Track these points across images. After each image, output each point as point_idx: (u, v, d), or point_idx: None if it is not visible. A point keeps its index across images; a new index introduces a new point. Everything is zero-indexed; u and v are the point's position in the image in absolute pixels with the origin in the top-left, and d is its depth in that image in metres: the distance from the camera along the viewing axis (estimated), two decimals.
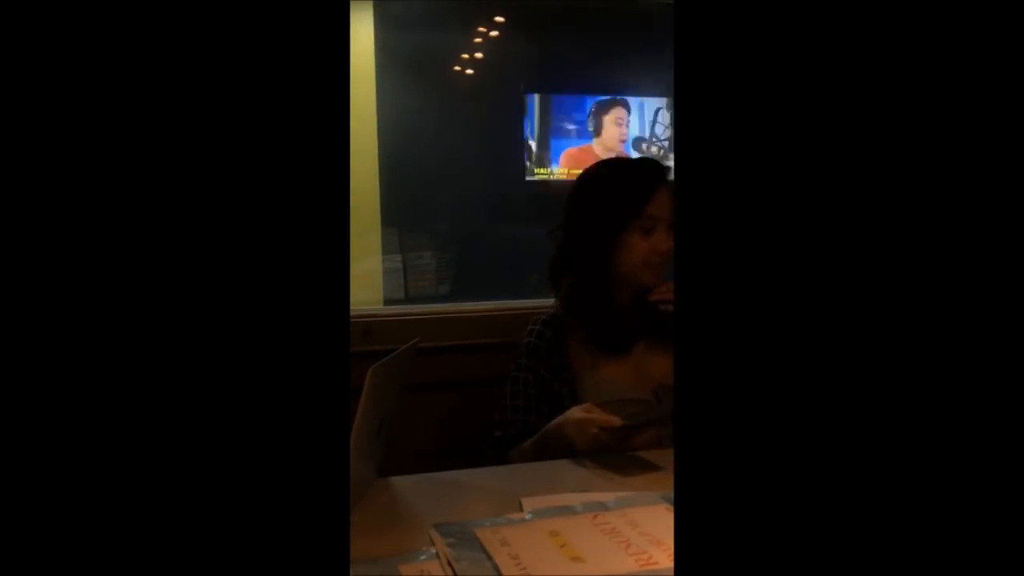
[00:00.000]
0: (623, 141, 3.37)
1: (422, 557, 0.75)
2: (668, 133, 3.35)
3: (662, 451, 1.10)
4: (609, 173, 1.24)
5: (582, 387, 1.21)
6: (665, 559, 0.73)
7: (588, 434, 1.04)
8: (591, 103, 3.36)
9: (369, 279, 2.94)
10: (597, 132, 3.37)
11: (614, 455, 1.13)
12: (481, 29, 3.17)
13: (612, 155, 3.34)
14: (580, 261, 1.22)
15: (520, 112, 3.28)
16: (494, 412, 1.23)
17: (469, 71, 3.22)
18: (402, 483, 1.00)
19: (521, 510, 0.87)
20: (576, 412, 1.07)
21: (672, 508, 0.84)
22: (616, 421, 1.02)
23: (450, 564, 0.73)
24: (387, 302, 2.90)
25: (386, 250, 3.04)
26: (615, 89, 3.38)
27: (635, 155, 3.33)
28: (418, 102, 3.08)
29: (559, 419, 1.10)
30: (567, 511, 0.86)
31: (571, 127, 3.36)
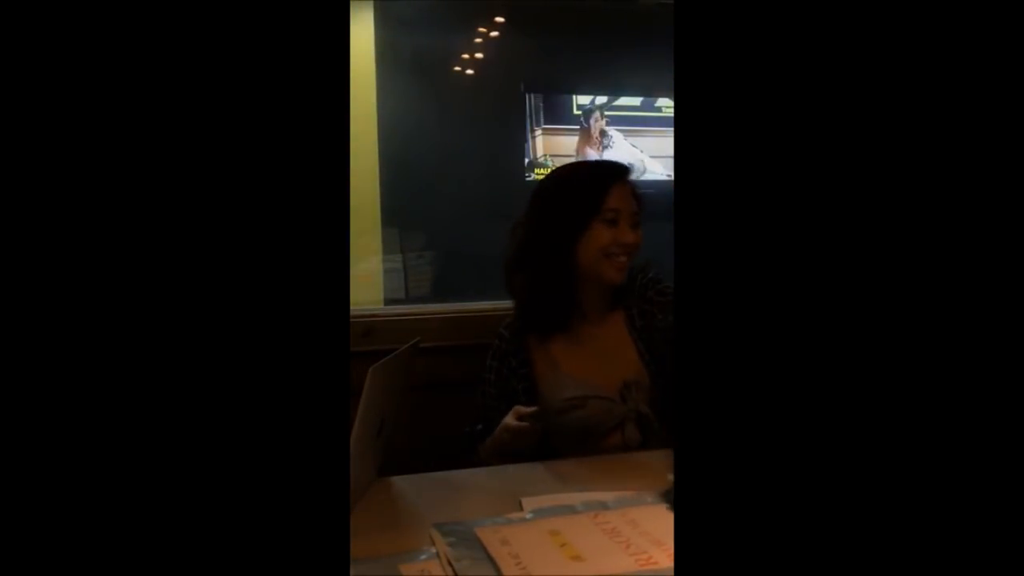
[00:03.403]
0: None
1: (422, 557, 0.76)
2: None
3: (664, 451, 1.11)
4: (568, 174, 1.32)
5: (544, 385, 1.22)
6: (665, 559, 0.73)
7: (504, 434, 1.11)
8: (590, 103, 3.36)
9: (369, 279, 2.93)
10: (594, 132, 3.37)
11: (614, 455, 1.14)
12: (481, 29, 3.17)
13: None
14: (541, 256, 1.23)
15: (520, 112, 3.28)
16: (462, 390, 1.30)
17: (469, 71, 3.22)
18: (402, 483, 1.00)
19: (521, 509, 0.87)
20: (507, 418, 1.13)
21: (672, 508, 0.84)
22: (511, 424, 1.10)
23: (450, 564, 0.73)
24: (387, 302, 2.90)
25: (386, 250, 3.04)
26: (615, 89, 3.38)
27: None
28: (418, 102, 3.08)
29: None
30: (567, 510, 0.86)
31: (571, 127, 3.36)
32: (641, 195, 1.25)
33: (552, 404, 1.18)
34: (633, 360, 1.22)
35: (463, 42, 3.18)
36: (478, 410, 1.27)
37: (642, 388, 1.19)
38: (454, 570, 0.72)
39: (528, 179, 3.28)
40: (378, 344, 1.24)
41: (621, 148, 3.40)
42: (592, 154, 3.35)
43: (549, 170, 3.29)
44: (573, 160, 3.32)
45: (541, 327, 1.25)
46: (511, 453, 1.13)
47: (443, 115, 3.15)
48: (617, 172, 1.25)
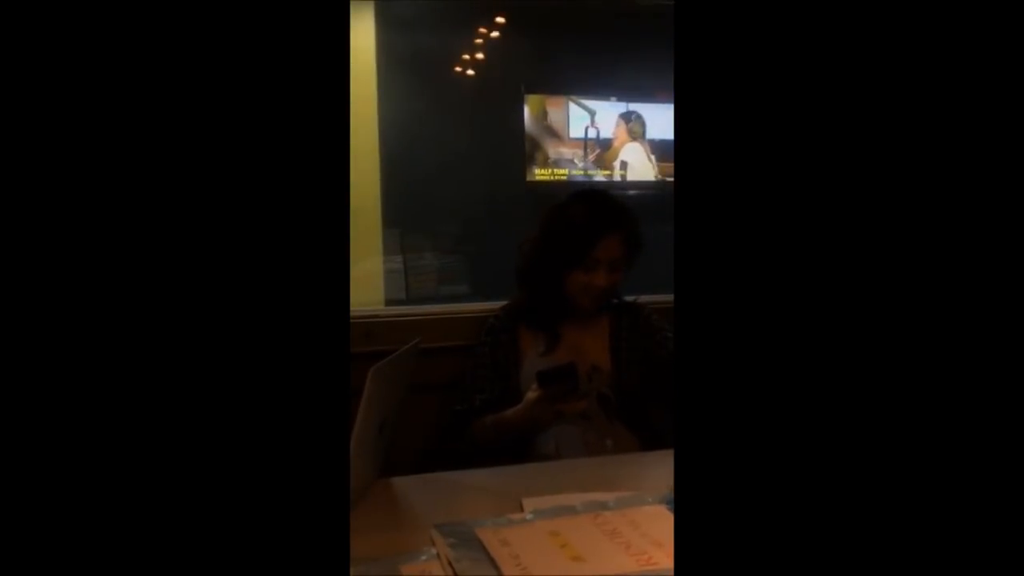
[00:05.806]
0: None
1: (423, 557, 0.76)
2: None
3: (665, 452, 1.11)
4: (568, 215, 1.39)
5: (527, 366, 1.36)
6: (665, 560, 0.73)
7: (530, 405, 1.23)
8: (591, 104, 3.37)
9: (370, 280, 2.94)
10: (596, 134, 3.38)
11: (614, 456, 1.16)
12: (482, 30, 3.17)
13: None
14: (537, 277, 1.42)
15: (520, 113, 3.28)
16: (457, 386, 1.38)
17: (470, 72, 3.22)
18: (402, 483, 1.00)
19: (522, 510, 0.87)
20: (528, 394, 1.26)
21: (672, 509, 0.84)
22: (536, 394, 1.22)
23: (451, 564, 0.73)
24: (388, 303, 2.90)
25: (387, 251, 3.04)
26: (615, 90, 3.38)
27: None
28: (419, 103, 3.08)
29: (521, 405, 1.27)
30: (568, 511, 0.86)
31: (571, 128, 3.37)
32: (636, 238, 1.37)
33: (530, 377, 1.30)
34: (603, 352, 1.39)
35: (463, 42, 3.18)
36: (470, 383, 1.37)
37: (605, 374, 1.37)
38: (454, 571, 0.72)
39: (528, 180, 3.28)
40: (379, 345, 1.24)
41: (621, 149, 3.41)
42: (591, 157, 3.36)
43: (549, 172, 3.31)
44: (572, 162, 3.32)
45: (532, 322, 1.42)
46: (520, 431, 1.27)
47: (444, 116, 3.15)
48: (609, 223, 1.35)
